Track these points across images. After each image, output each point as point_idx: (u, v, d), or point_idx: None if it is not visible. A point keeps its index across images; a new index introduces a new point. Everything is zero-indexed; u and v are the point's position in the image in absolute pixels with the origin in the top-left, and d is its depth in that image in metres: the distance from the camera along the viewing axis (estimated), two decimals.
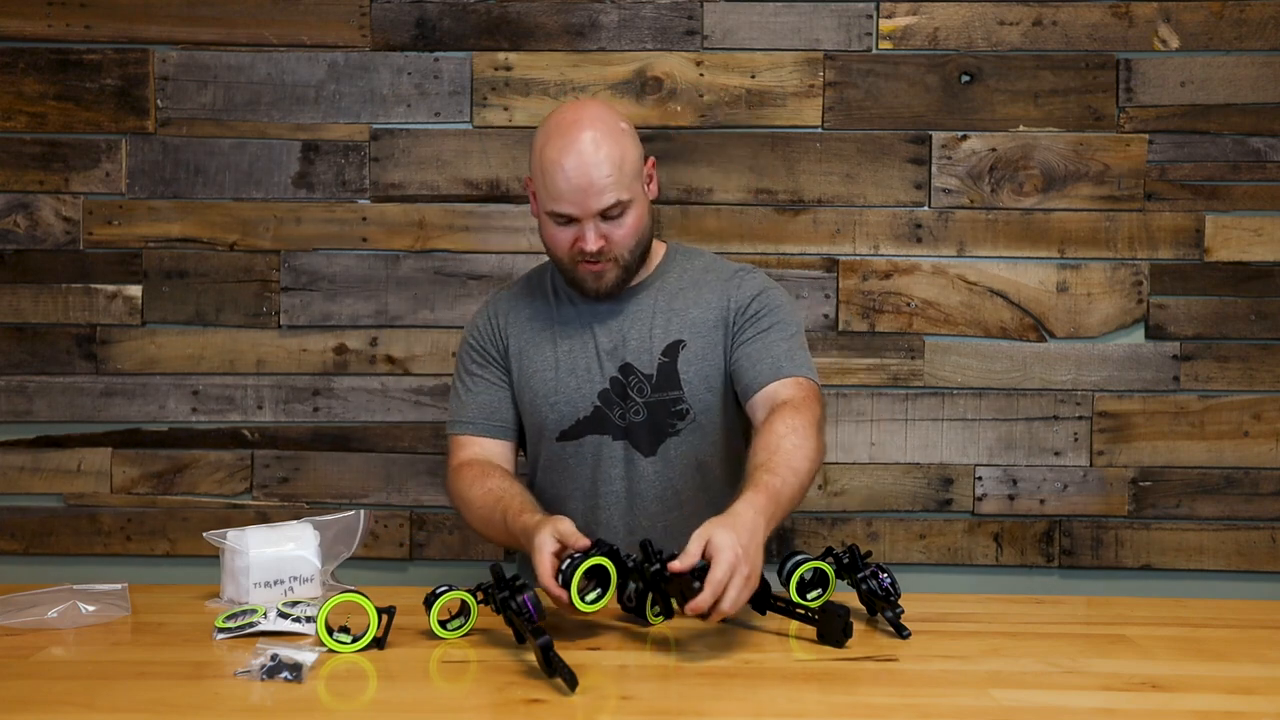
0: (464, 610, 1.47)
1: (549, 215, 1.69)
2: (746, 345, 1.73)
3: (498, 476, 1.72)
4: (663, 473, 1.76)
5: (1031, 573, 2.37)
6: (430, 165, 2.34)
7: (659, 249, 1.85)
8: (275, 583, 1.59)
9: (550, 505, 1.76)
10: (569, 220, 1.68)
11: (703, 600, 1.33)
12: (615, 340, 1.77)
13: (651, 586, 1.41)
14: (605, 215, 1.67)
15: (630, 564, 1.43)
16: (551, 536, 1.45)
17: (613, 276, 1.72)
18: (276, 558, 1.60)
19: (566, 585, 1.39)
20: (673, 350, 1.76)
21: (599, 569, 1.42)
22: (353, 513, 1.69)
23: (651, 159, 1.78)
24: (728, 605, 1.34)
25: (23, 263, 2.34)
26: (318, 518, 1.68)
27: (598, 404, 1.75)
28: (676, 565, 1.36)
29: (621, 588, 1.48)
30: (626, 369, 1.75)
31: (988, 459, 2.36)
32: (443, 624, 1.45)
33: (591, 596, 1.42)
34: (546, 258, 1.81)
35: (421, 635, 1.45)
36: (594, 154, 1.64)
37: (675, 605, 1.40)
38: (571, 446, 1.77)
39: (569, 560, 1.41)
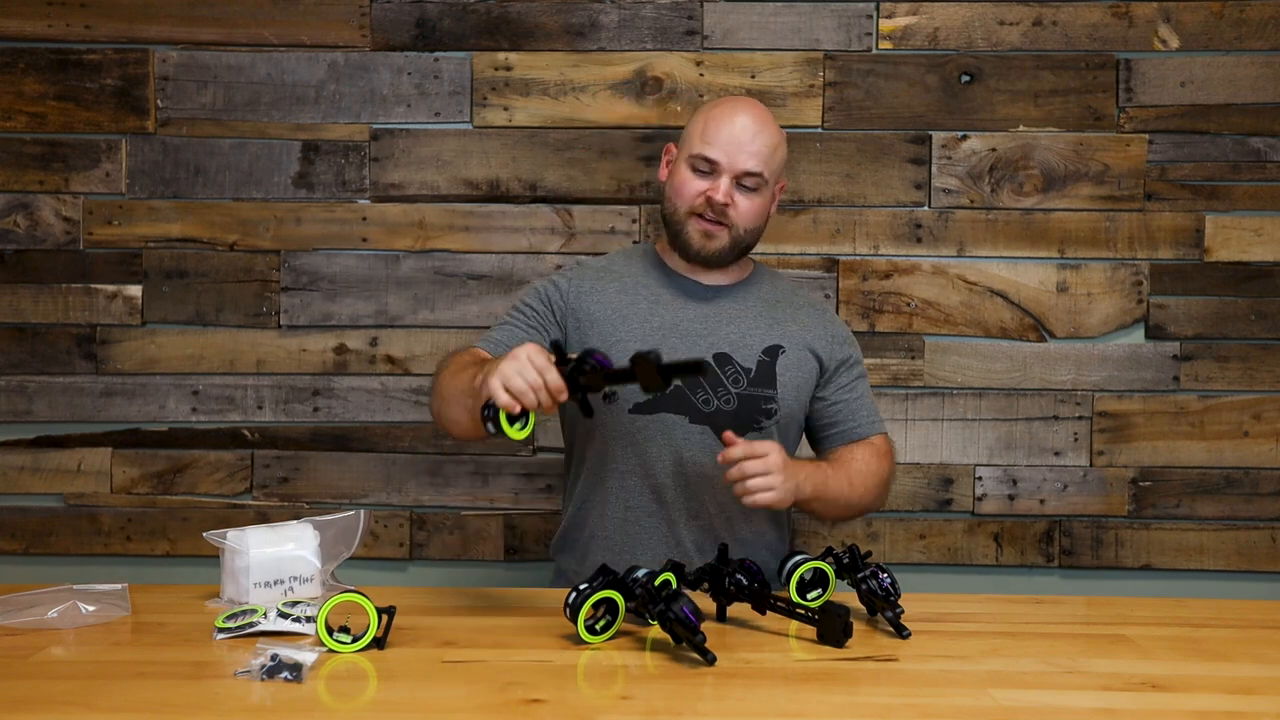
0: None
1: (691, 160, 1.78)
2: (843, 393, 1.88)
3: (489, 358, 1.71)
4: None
5: (1031, 573, 2.37)
6: (430, 165, 2.34)
7: (749, 263, 1.93)
8: (275, 583, 1.59)
9: (611, 477, 1.79)
10: (710, 170, 1.77)
11: (734, 451, 1.60)
12: (710, 327, 1.81)
13: (660, 623, 1.41)
14: (741, 181, 1.77)
15: (637, 592, 1.43)
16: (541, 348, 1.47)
17: (722, 242, 1.79)
18: (276, 558, 1.60)
19: (575, 615, 1.40)
20: (773, 352, 1.82)
21: (607, 601, 1.42)
22: (353, 513, 1.69)
23: (784, 181, 1.89)
24: (750, 470, 1.59)
25: (23, 263, 2.35)
26: (318, 518, 1.68)
27: (679, 383, 1.76)
28: (730, 434, 1.63)
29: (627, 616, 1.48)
30: (723, 358, 1.79)
31: (988, 459, 2.36)
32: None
33: (600, 626, 1.42)
34: (638, 243, 1.83)
35: (421, 635, 1.45)
36: (758, 127, 1.78)
37: (675, 637, 1.40)
38: (643, 420, 1.77)
39: (577, 591, 1.41)
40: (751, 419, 1.80)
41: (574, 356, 1.46)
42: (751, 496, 1.61)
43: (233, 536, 1.61)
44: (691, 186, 1.78)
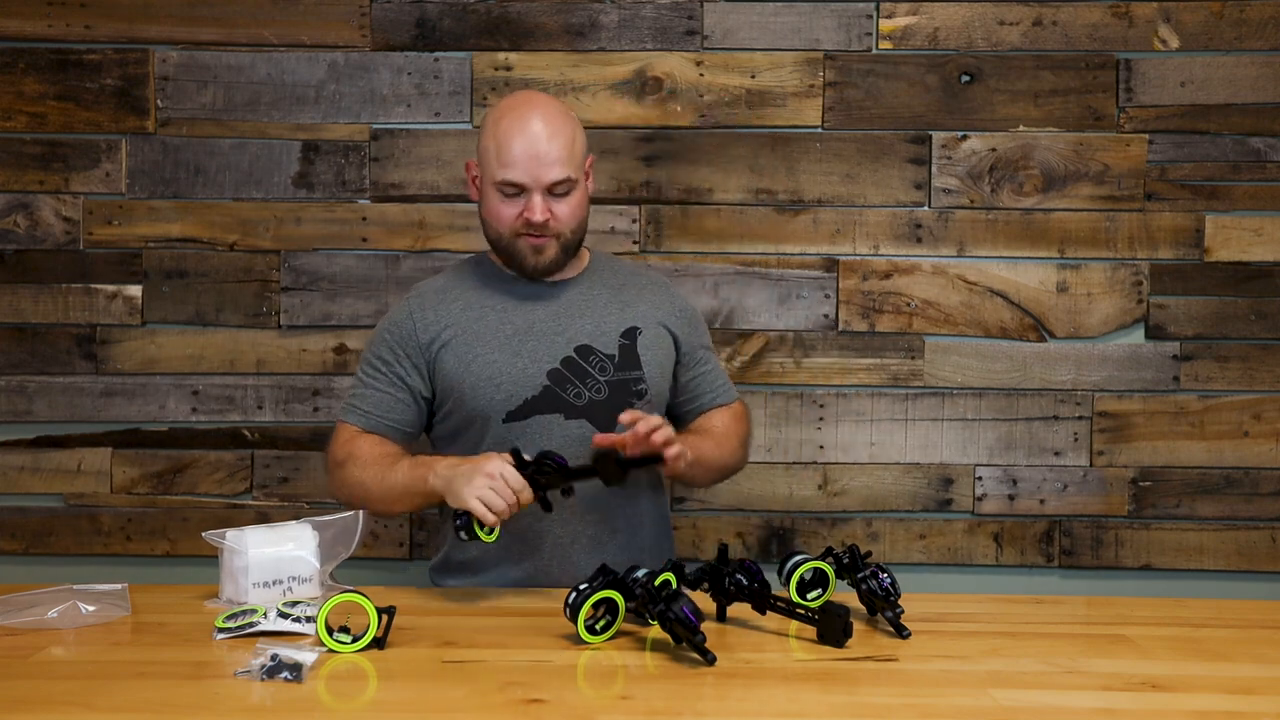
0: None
1: (497, 186, 1.75)
2: (699, 366, 1.92)
3: (396, 449, 1.79)
4: None
5: (1031, 573, 2.37)
6: (430, 165, 2.34)
7: (585, 252, 1.91)
8: (274, 583, 1.59)
9: None
10: (517, 192, 1.74)
11: (625, 416, 1.64)
12: (565, 323, 1.81)
13: (660, 623, 1.41)
14: (552, 190, 1.74)
15: (637, 592, 1.43)
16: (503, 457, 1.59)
17: (552, 253, 1.78)
18: (276, 558, 1.60)
19: (575, 615, 1.40)
20: (631, 334, 1.83)
21: (607, 601, 1.42)
22: (351, 513, 1.69)
23: (591, 156, 1.86)
24: (649, 424, 1.63)
25: (23, 263, 2.34)
26: (317, 518, 1.68)
27: (547, 383, 1.77)
28: (624, 417, 1.65)
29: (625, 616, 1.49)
30: (585, 350, 1.80)
31: (988, 459, 2.36)
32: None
33: (600, 626, 1.42)
34: (470, 255, 1.89)
35: (421, 635, 1.45)
36: (547, 129, 1.73)
37: (675, 637, 1.40)
38: (519, 427, 1.77)
39: (577, 591, 1.41)
40: (625, 403, 1.79)
41: (531, 460, 1.61)
42: (663, 435, 1.65)
43: (232, 536, 1.61)
44: (505, 212, 1.75)
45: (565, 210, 1.76)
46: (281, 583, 1.59)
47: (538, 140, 1.72)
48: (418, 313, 1.83)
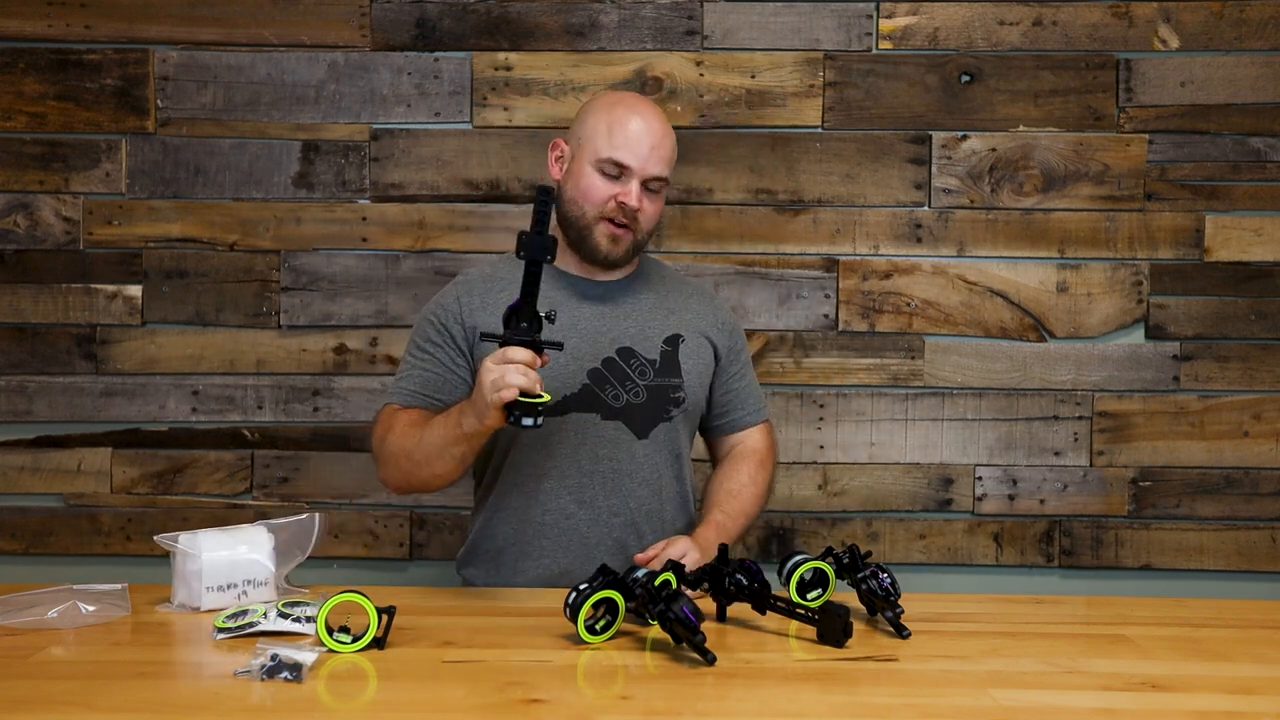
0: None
1: (598, 165, 1.74)
2: (734, 381, 1.91)
3: (428, 414, 1.75)
4: (652, 456, 1.80)
5: (1031, 573, 2.37)
6: (430, 165, 2.34)
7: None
8: (228, 586, 1.56)
9: (526, 483, 1.78)
10: (618, 174, 1.74)
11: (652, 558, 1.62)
12: (609, 324, 1.81)
13: (660, 623, 1.41)
14: (648, 184, 1.75)
15: (637, 592, 1.43)
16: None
17: (627, 245, 1.78)
18: (230, 561, 1.57)
19: (575, 615, 1.40)
20: (674, 341, 1.83)
21: (607, 601, 1.42)
22: (307, 515, 1.65)
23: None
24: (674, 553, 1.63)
25: (23, 263, 2.35)
26: (272, 520, 1.66)
27: (586, 382, 1.77)
28: (640, 557, 1.63)
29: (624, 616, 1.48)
30: (627, 352, 1.80)
31: (988, 459, 2.36)
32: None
33: (600, 626, 1.42)
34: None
35: (421, 635, 1.45)
36: (662, 127, 1.77)
37: (675, 637, 1.40)
38: (555, 423, 1.77)
39: (577, 591, 1.41)
40: (661, 410, 1.80)
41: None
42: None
43: (185, 540, 1.58)
44: (601, 191, 1.74)
45: (651, 209, 1.78)
46: (236, 586, 1.57)
47: (654, 132, 1.75)
48: (464, 298, 1.82)
